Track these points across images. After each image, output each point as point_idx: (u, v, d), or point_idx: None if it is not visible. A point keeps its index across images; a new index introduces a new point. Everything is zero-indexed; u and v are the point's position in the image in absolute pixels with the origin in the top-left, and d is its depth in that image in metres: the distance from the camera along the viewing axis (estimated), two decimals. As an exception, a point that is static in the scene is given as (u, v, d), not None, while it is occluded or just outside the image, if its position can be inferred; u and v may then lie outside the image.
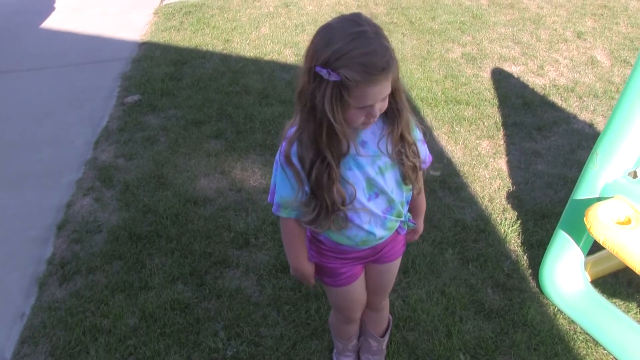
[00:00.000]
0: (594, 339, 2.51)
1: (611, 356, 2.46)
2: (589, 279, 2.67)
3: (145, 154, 3.82)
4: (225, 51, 5.40)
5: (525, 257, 2.89)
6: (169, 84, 4.76)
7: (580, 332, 2.56)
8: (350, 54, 1.30)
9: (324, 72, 1.32)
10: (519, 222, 3.13)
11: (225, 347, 2.42)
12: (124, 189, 3.47)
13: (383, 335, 2.26)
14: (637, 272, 2.06)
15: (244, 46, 5.49)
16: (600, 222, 2.20)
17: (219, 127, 4.11)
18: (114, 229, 3.12)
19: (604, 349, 2.48)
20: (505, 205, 3.27)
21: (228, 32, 5.84)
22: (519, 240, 3.01)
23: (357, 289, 1.95)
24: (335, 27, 1.36)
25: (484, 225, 3.10)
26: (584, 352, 2.47)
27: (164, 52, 5.42)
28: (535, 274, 2.78)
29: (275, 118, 4.19)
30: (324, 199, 1.54)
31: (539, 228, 3.07)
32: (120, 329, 2.54)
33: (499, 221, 3.14)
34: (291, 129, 1.53)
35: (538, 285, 2.74)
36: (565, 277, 2.61)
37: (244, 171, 3.63)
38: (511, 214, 3.21)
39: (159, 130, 4.11)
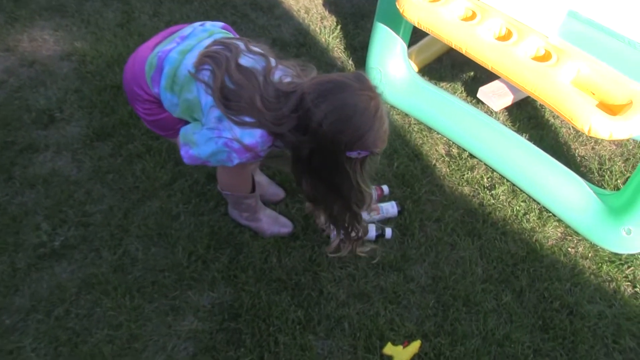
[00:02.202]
0: (427, 126, 2.45)
1: (444, 138, 2.42)
2: (416, 69, 2.56)
3: None
4: None
5: (350, 62, 2.71)
6: None
7: (414, 124, 2.48)
8: (377, 133, 1.41)
9: (354, 154, 1.43)
10: (338, 27, 2.90)
11: (52, 239, 2.07)
12: None
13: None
14: (452, 45, 1.92)
15: None
16: (411, 3, 2.00)
17: (-10, -1, 3.38)
18: None
19: (437, 132, 2.43)
20: (323, 13, 3.02)
21: None
22: (342, 46, 2.81)
23: None
24: (358, 108, 1.38)
25: (303, 39, 2.84)
26: (420, 142, 2.41)
27: None
28: (364, 77, 2.61)
29: (56, -26, 3.50)
30: None
31: (360, 29, 2.88)
32: None
33: (319, 31, 2.89)
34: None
35: (368, 87, 2.58)
36: (391, 70, 2.46)
37: (32, 42, 3.03)
38: (330, 21, 2.97)
39: None
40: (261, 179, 2.15)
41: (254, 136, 1.48)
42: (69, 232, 2.07)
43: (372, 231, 2.01)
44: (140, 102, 1.68)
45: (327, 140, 1.40)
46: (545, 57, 1.73)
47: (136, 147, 2.34)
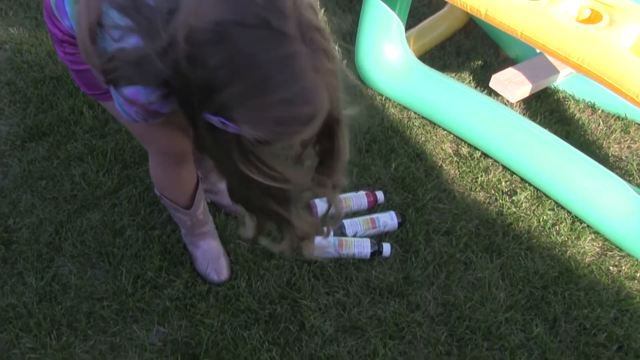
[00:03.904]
0: (431, 121, 2.18)
1: (451, 135, 2.15)
2: (415, 56, 2.28)
3: None
4: None
5: (337, 48, 2.43)
6: None
7: (415, 118, 2.21)
8: (263, 102, 0.85)
9: (215, 120, 0.87)
10: (323, 11, 2.66)
11: (-35, 262, 1.76)
12: None
13: None
14: (466, 8, 1.63)
15: None
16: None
17: None
18: None
19: (443, 128, 2.16)
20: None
21: None
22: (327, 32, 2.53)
23: None
24: (242, 46, 0.82)
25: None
26: (423, 139, 2.13)
27: None
28: (353, 66, 2.37)
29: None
30: None
31: (349, 13, 2.64)
32: None
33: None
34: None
35: (358, 77, 2.35)
36: (387, 57, 2.19)
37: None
38: (313, 3, 2.70)
39: None
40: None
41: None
42: (-15, 254, 1.75)
43: (367, 247, 1.70)
44: (58, 45, 1.31)
45: (179, 75, 0.88)
46: (593, 19, 1.46)
47: (76, 148, 2.05)
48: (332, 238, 1.72)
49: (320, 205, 1.81)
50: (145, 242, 1.75)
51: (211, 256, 1.70)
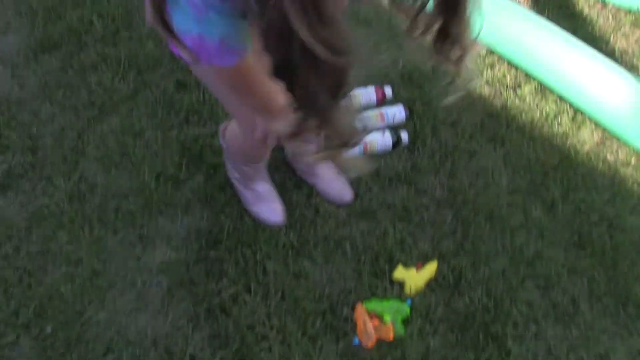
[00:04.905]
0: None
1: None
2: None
3: None
4: None
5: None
6: None
7: (421, 18, 2.29)
8: None
9: None
10: None
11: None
12: None
13: None
14: None
15: None
16: None
17: None
18: None
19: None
20: None
21: None
22: None
23: None
24: None
25: None
26: (430, 38, 2.22)
27: None
28: None
29: None
30: None
31: None
32: None
33: None
34: None
35: None
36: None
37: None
38: None
39: None
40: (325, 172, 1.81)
41: None
42: (13, 160, 1.90)
43: (388, 139, 1.84)
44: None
45: None
46: None
47: (90, 57, 2.14)
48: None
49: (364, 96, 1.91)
50: (164, 142, 1.89)
51: (267, 199, 1.73)
